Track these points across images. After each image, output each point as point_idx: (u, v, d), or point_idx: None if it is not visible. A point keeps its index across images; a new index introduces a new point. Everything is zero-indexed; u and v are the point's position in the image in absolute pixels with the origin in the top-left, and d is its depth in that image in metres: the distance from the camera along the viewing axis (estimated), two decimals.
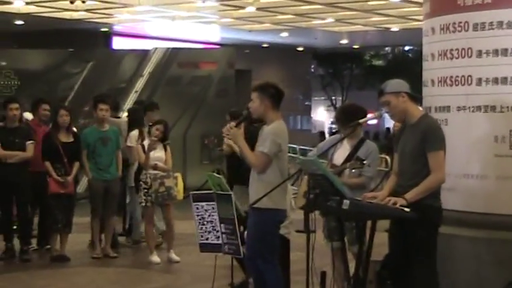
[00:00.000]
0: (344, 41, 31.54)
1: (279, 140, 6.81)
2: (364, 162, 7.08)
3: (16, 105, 10.34)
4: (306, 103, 39.43)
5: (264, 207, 6.71)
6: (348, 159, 7.27)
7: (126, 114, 13.56)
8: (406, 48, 43.32)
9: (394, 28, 26.19)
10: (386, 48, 43.44)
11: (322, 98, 46.44)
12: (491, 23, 7.35)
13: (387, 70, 39.73)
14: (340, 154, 7.40)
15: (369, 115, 7.38)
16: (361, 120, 7.08)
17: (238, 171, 10.41)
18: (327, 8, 22.01)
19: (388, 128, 30.93)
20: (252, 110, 6.93)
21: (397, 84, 6.38)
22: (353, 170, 7.20)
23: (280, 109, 6.98)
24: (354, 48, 35.97)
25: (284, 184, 6.82)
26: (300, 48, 34.28)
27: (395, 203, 6.02)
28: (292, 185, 10.44)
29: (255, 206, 6.71)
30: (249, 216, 6.98)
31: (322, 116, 49.93)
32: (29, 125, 10.93)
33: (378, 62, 44.62)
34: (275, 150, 6.76)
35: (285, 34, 28.45)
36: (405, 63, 39.83)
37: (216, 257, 7.21)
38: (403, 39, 31.06)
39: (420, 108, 6.77)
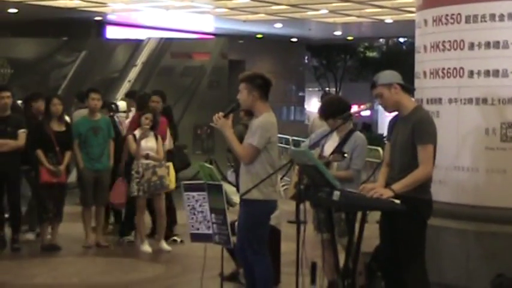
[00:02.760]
0: (338, 33, 31.51)
1: (268, 133, 6.79)
2: (345, 155, 7.08)
3: (8, 94, 10.30)
4: (300, 94, 39.42)
5: (253, 199, 6.72)
6: (334, 151, 7.26)
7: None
8: (401, 40, 43.30)
9: (388, 20, 26.17)
10: (381, 40, 43.42)
11: (316, 89, 46.42)
12: (483, 16, 7.37)
13: (381, 62, 39.76)
14: (330, 146, 7.40)
15: (362, 106, 7.37)
16: (351, 112, 7.08)
17: None
18: None
19: None
20: (241, 101, 6.91)
21: (389, 75, 6.36)
22: (336, 163, 7.19)
23: (273, 100, 6.96)
24: (348, 39, 35.92)
25: (273, 175, 6.82)
26: (294, 39, 34.23)
27: (381, 195, 6.02)
28: (284, 176, 10.45)
29: (245, 197, 6.73)
30: (239, 208, 7.00)
31: (316, 107, 49.91)
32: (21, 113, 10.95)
33: (372, 54, 44.62)
34: (264, 142, 6.76)
35: (279, 25, 28.42)
36: (399, 55, 39.86)
37: (206, 247, 7.22)
38: (397, 31, 31.04)
39: (413, 100, 6.77)
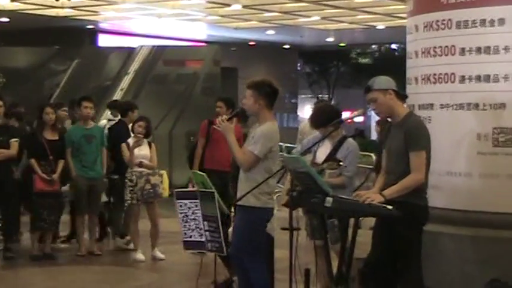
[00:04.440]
0: (330, 39, 31.55)
1: (270, 143, 6.80)
2: (341, 163, 7.10)
3: (0, 103, 10.31)
4: (293, 101, 39.45)
5: (250, 205, 6.73)
6: (328, 157, 7.28)
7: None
8: (393, 46, 43.38)
9: (380, 26, 26.23)
10: (373, 46, 43.50)
11: (309, 95, 46.47)
12: (474, 21, 7.38)
13: (374, 68, 39.79)
14: (322, 152, 7.41)
15: (355, 112, 7.37)
16: (343, 118, 7.10)
17: None
18: (312, 5, 22.03)
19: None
20: (246, 107, 6.92)
21: (384, 81, 6.37)
22: (330, 171, 7.20)
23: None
24: (341, 46, 35.98)
25: (271, 182, 6.83)
26: (287, 46, 34.28)
27: (372, 200, 6.02)
28: (278, 182, 10.44)
29: (242, 204, 6.74)
30: (236, 214, 7.00)
31: (309, 114, 49.82)
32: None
33: (365, 60, 44.70)
34: (265, 152, 6.77)
35: (271, 32, 28.45)
36: (392, 61, 39.85)
37: (202, 255, 7.23)
38: (389, 37, 31.11)
39: (405, 106, 6.78)
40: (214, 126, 7.02)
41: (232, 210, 7.47)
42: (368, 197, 6.06)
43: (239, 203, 6.77)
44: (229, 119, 6.89)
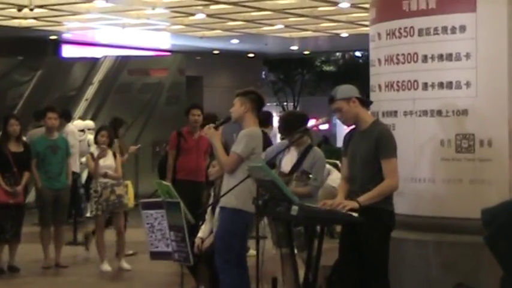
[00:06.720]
0: (294, 47, 31.63)
1: (253, 143, 6.94)
2: (310, 176, 7.19)
3: None
4: None
5: (230, 207, 6.80)
6: (294, 166, 7.31)
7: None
8: (357, 53, 43.57)
9: (344, 34, 26.34)
10: (337, 54, 43.65)
11: (274, 103, 46.50)
12: (436, 28, 7.44)
13: (338, 75, 39.94)
14: (288, 161, 7.43)
15: (319, 120, 7.41)
16: (308, 126, 7.13)
17: None
18: (276, 14, 22.06)
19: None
20: (233, 114, 7.08)
21: (347, 89, 6.42)
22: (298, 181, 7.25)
23: None
24: (305, 54, 36.08)
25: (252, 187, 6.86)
26: (251, 55, 34.30)
27: (344, 206, 6.04)
28: None
29: (222, 205, 6.86)
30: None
31: (274, 121, 49.84)
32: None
33: (329, 68, 44.83)
34: (248, 152, 6.87)
35: (235, 41, 28.47)
36: (356, 69, 40.07)
37: (172, 264, 7.23)
38: (353, 44, 31.23)
39: (369, 113, 6.82)
40: (202, 134, 7.16)
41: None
42: (341, 203, 6.06)
43: (220, 204, 6.87)
44: (216, 127, 7.06)
